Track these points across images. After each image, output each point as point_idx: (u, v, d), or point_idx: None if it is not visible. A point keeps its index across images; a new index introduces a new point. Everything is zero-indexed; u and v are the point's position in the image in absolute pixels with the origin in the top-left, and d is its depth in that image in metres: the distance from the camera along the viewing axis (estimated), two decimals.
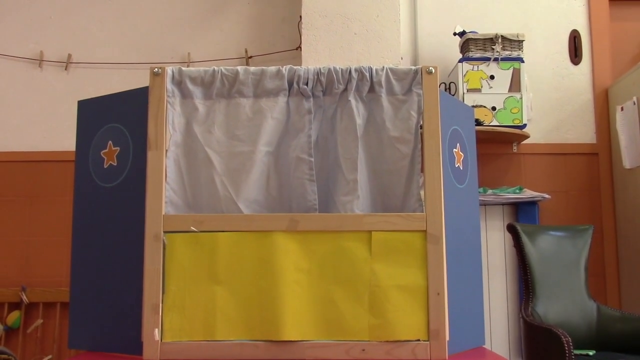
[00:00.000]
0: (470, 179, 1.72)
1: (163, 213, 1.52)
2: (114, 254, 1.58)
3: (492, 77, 3.16)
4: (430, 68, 1.57)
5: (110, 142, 1.64)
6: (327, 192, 1.61)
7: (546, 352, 2.22)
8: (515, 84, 3.16)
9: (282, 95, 1.60)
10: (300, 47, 3.12)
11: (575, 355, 2.17)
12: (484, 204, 2.97)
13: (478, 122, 3.05)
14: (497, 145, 3.37)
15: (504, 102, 3.14)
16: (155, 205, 1.52)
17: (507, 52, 3.18)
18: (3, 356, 2.76)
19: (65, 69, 3.50)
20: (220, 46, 3.55)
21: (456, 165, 1.64)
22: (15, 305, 3.28)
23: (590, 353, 2.33)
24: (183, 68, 1.60)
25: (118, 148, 1.63)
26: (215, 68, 1.60)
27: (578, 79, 3.50)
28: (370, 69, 1.59)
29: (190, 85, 1.59)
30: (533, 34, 3.50)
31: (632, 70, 3.12)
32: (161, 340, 1.48)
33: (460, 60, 3.20)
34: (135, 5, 3.58)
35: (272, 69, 1.60)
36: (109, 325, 1.56)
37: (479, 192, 2.89)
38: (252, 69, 1.60)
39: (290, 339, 1.46)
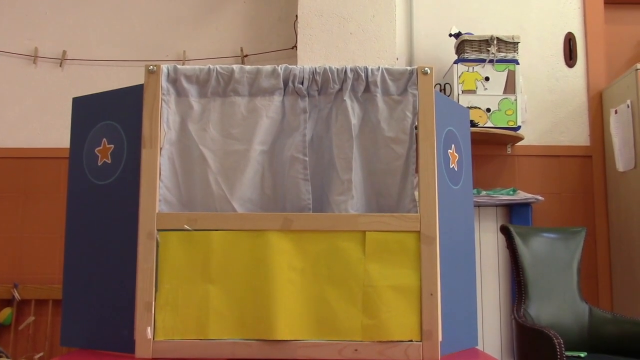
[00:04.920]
0: (465, 180, 1.73)
1: (157, 211, 1.52)
2: (108, 251, 1.58)
3: (487, 78, 3.16)
4: (426, 69, 1.57)
5: (104, 139, 1.64)
6: (322, 191, 1.61)
7: (538, 353, 2.23)
8: (510, 86, 3.16)
9: (277, 94, 1.60)
10: (296, 47, 3.11)
11: (567, 356, 2.18)
12: (478, 205, 2.98)
13: (472, 124, 3.06)
14: (491, 147, 3.37)
15: (498, 104, 3.14)
16: (149, 203, 1.52)
17: (502, 54, 3.19)
18: None
19: (60, 66, 3.49)
20: (216, 45, 3.54)
21: (451, 166, 1.64)
22: (7, 302, 3.27)
23: (582, 355, 2.34)
24: (178, 66, 1.59)
25: (112, 145, 1.62)
26: (211, 66, 1.60)
27: (572, 82, 3.51)
28: (366, 69, 1.59)
29: (185, 84, 1.59)
30: (528, 36, 3.51)
31: (626, 73, 3.14)
32: (154, 339, 1.47)
33: (456, 62, 3.20)
34: (130, 2, 3.57)
35: (268, 67, 1.60)
36: (101, 323, 1.56)
37: (473, 194, 2.89)
38: (247, 67, 1.60)
39: (283, 339, 1.46)
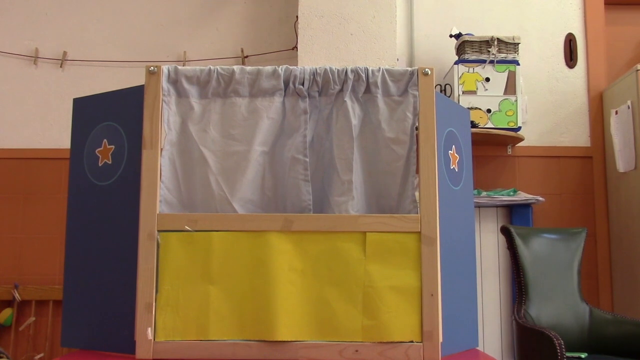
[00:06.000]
0: (466, 181, 1.73)
1: (157, 212, 1.52)
2: (108, 252, 1.58)
3: (487, 79, 3.16)
4: (427, 69, 1.57)
5: (105, 140, 1.64)
6: (322, 192, 1.61)
7: (538, 354, 2.23)
8: (510, 87, 3.16)
9: (277, 95, 1.60)
10: (297, 47, 3.11)
11: (568, 357, 2.18)
12: (478, 206, 2.98)
13: (473, 124, 3.06)
14: (491, 148, 3.37)
15: (499, 105, 3.14)
16: (149, 204, 1.52)
17: (503, 55, 3.19)
18: None
19: (61, 67, 3.49)
20: (216, 45, 3.54)
21: (451, 167, 1.64)
22: (7, 303, 3.27)
23: (583, 356, 2.34)
24: (179, 67, 1.60)
25: (113, 146, 1.62)
26: (211, 67, 1.60)
27: (573, 82, 3.51)
28: (367, 70, 1.59)
29: (186, 84, 1.59)
30: (529, 36, 3.51)
31: (626, 74, 3.13)
32: (154, 340, 1.47)
33: (456, 62, 3.20)
34: (131, 3, 3.57)
35: (268, 68, 1.60)
36: (102, 323, 1.56)
37: (473, 194, 2.89)
38: (248, 68, 1.60)
39: (284, 339, 1.46)
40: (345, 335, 1.47)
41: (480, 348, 2.30)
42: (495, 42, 3.18)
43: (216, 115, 1.60)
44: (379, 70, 1.59)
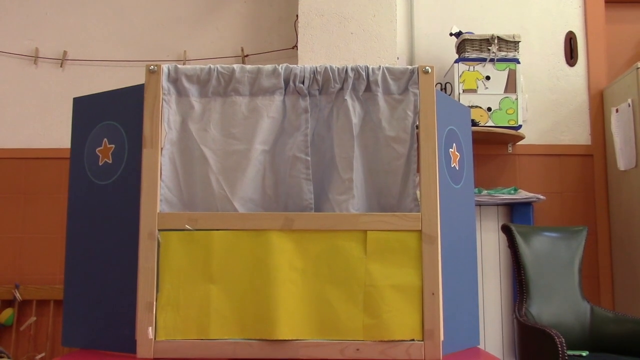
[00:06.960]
0: (466, 180, 1.72)
1: (158, 211, 1.52)
2: (109, 251, 1.57)
3: (487, 77, 3.16)
4: (427, 68, 1.57)
5: (105, 139, 1.64)
6: (323, 191, 1.61)
7: (540, 352, 2.23)
8: (510, 85, 3.16)
9: (278, 94, 1.59)
10: (297, 46, 3.11)
11: (569, 356, 2.17)
12: (479, 205, 2.97)
13: (473, 123, 3.06)
14: (492, 146, 3.37)
15: (499, 103, 3.14)
16: (150, 203, 1.51)
17: (503, 53, 3.18)
18: None
19: (61, 66, 3.49)
20: (217, 45, 3.54)
21: (452, 166, 1.64)
22: (8, 303, 3.27)
23: (584, 354, 2.34)
24: (179, 66, 1.59)
25: (113, 145, 1.62)
26: (212, 66, 1.60)
27: (573, 81, 3.51)
28: (367, 68, 1.59)
29: (186, 83, 1.59)
30: (529, 35, 3.51)
31: (627, 72, 3.13)
32: (155, 339, 1.47)
33: (456, 61, 3.20)
34: (131, 2, 3.57)
35: (269, 67, 1.59)
36: (102, 323, 1.56)
37: (474, 193, 2.89)
38: (248, 67, 1.60)
39: (284, 338, 1.46)
40: (346, 334, 1.47)
41: (481, 346, 2.30)
42: (496, 41, 3.17)
43: (216, 114, 1.60)
44: (379, 68, 1.59)
